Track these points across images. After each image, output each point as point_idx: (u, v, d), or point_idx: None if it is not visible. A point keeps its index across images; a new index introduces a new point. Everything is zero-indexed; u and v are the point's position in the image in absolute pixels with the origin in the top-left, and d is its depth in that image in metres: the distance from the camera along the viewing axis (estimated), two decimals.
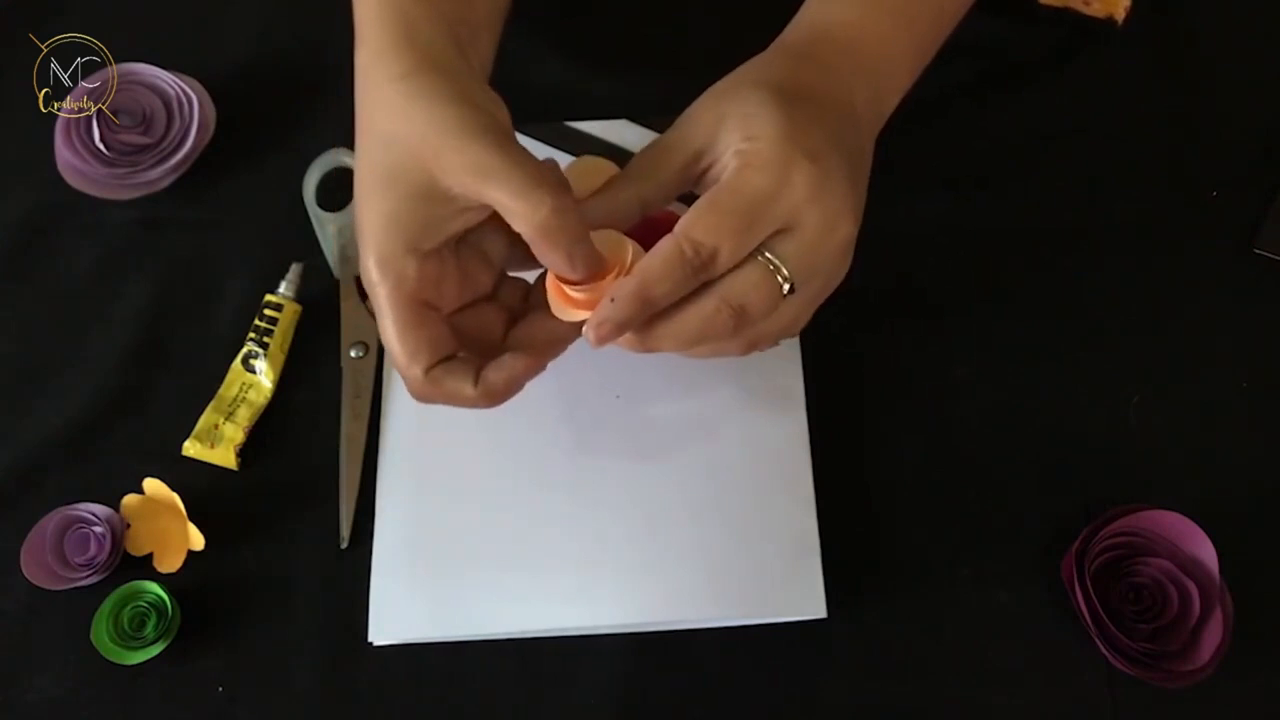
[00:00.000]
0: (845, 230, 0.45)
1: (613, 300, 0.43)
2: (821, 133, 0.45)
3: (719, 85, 0.48)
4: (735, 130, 0.45)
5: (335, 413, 0.58)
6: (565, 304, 0.47)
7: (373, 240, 0.45)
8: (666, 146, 0.47)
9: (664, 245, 0.44)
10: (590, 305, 0.46)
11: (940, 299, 0.60)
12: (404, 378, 0.46)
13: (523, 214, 0.43)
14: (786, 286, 0.45)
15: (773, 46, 0.50)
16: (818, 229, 0.44)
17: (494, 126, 0.44)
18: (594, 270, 0.45)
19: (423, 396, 0.46)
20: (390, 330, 0.45)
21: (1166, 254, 0.61)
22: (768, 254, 0.44)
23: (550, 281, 0.47)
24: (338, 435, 0.57)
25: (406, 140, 0.43)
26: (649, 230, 0.59)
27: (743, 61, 0.67)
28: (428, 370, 0.45)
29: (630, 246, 0.47)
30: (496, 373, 0.46)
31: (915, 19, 0.52)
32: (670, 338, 0.45)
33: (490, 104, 0.45)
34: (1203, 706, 0.51)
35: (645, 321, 0.45)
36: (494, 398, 0.46)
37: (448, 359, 0.46)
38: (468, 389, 0.45)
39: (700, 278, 0.44)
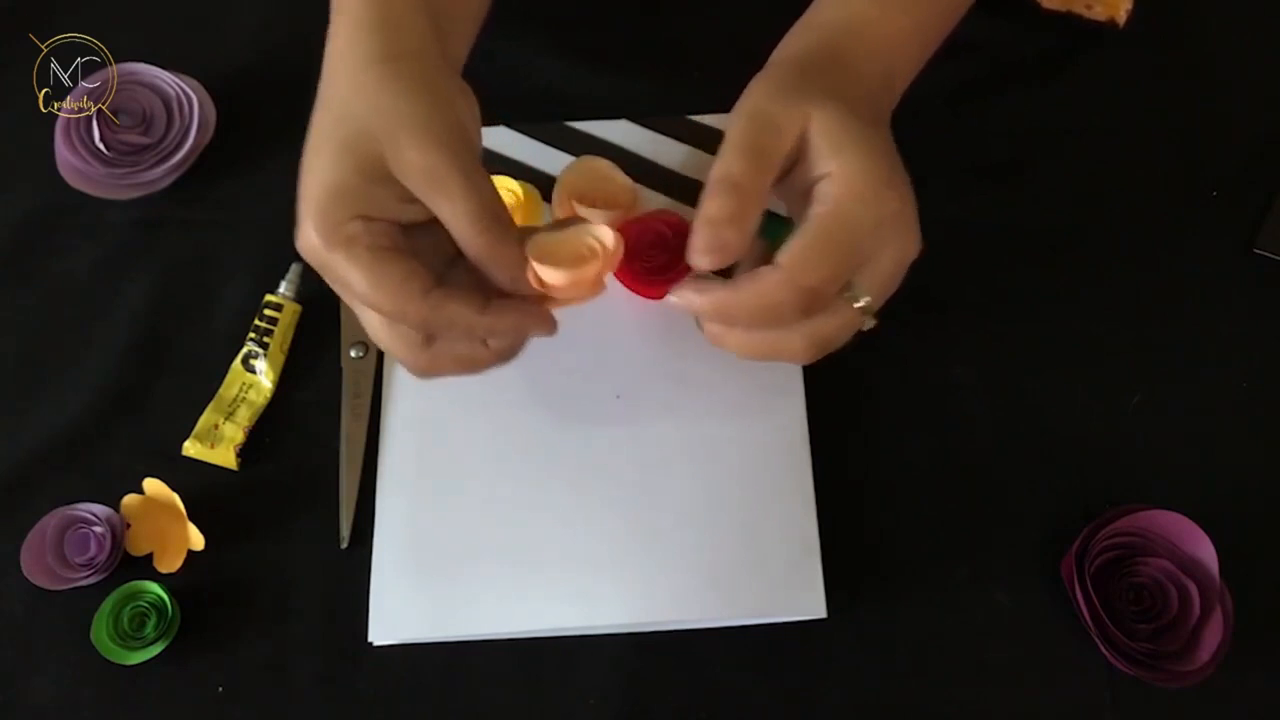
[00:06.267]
0: (913, 255, 0.46)
1: (699, 293, 0.44)
2: (895, 160, 0.45)
3: (785, 80, 0.47)
4: (824, 139, 0.44)
5: (335, 413, 0.58)
6: (539, 287, 0.46)
7: (316, 207, 0.43)
8: (763, 154, 0.44)
9: (768, 284, 0.42)
10: (568, 292, 0.46)
11: (940, 298, 0.60)
12: (401, 314, 0.43)
13: (463, 238, 0.42)
14: (871, 322, 0.45)
15: (811, 48, 0.49)
16: (896, 259, 0.45)
17: (457, 132, 0.43)
18: (530, 293, 0.45)
19: (424, 324, 0.43)
20: (364, 278, 0.42)
21: (1166, 254, 0.61)
22: (853, 289, 0.44)
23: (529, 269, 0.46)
24: (338, 435, 0.57)
25: (368, 121, 0.42)
26: (643, 229, 0.59)
27: (742, 62, 0.67)
28: (428, 293, 0.42)
29: (611, 236, 0.46)
30: (511, 304, 0.44)
31: (927, 17, 0.52)
32: (742, 348, 0.46)
33: (460, 99, 0.45)
34: (1203, 706, 0.51)
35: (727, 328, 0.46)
36: (504, 328, 0.44)
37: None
38: (474, 314, 0.43)
39: (797, 319, 0.44)
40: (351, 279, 0.42)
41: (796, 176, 0.45)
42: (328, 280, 0.44)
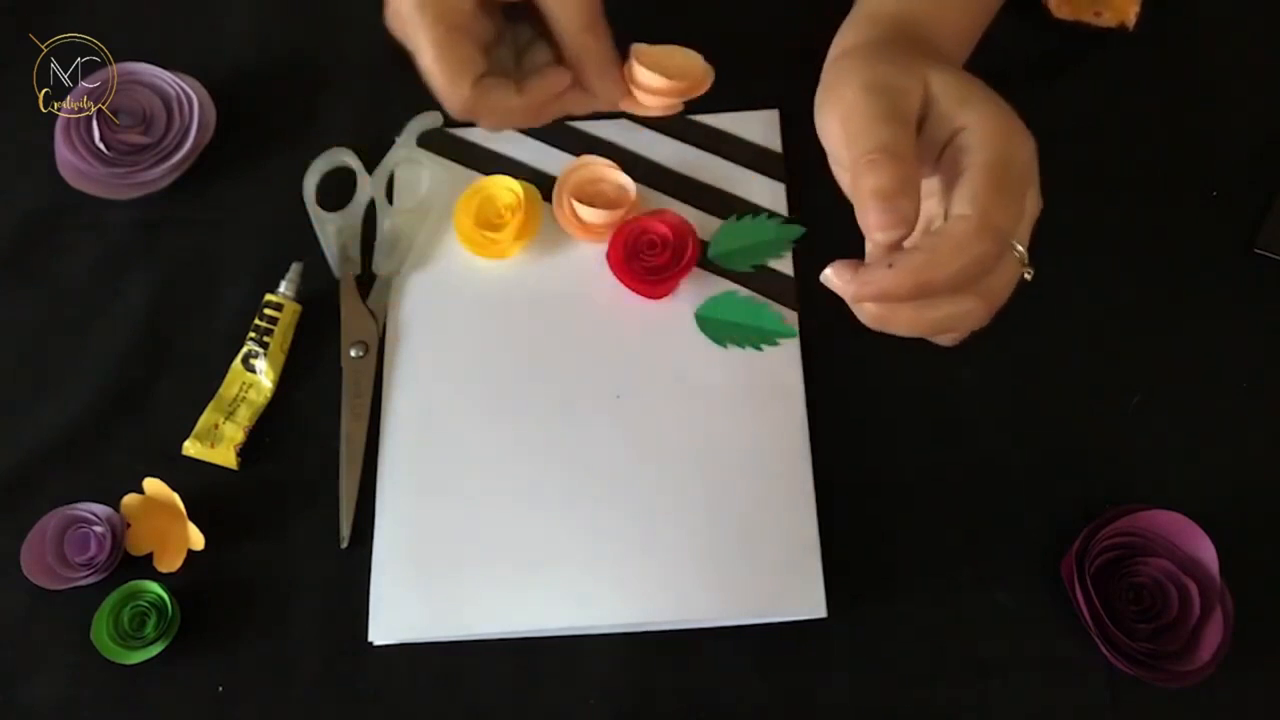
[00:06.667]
0: (1041, 205, 0.45)
1: (890, 266, 0.41)
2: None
3: (881, 54, 0.46)
4: (947, 95, 0.44)
5: (335, 413, 0.58)
6: (633, 96, 0.52)
7: None
8: (904, 118, 0.43)
9: (964, 233, 0.41)
10: (652, 101, 0.51)
11: None
12: (447, 96, 0.48)
13: (568, 31, 0.48)
14: (1030, 271, 0.44)
15: (879, 36, 0.49)
16: (1035, 206, 0.44)
17: None
18: (615, 94, 0.51)
19: (468, 110, 0.49)
20: (431, 51, 0.47)
21: (1166, 254, 0.61)
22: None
23: (629, 69, 0.51)
24: (338, 435, 0.57)
25: None
26: (643, 229, 0.59)
27: (742, 62, 0.67)
28: (477, 81, 0.48)
29: (700, 60, 0.52)
30: (540, 82, 0.49)
31: (974, 14, 0.53)
32: (914, 324, 0.44)
33: None
34: (1203, 706, 0.51)
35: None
36: (535, 110, 0.50)
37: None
38: (513, 98, 0.49)
39: (992, 267, 0.42)
40: (422, 47, 0.47)
41: (923, 137, 0.45)
42: (396, 33, 0.49)
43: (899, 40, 0.49)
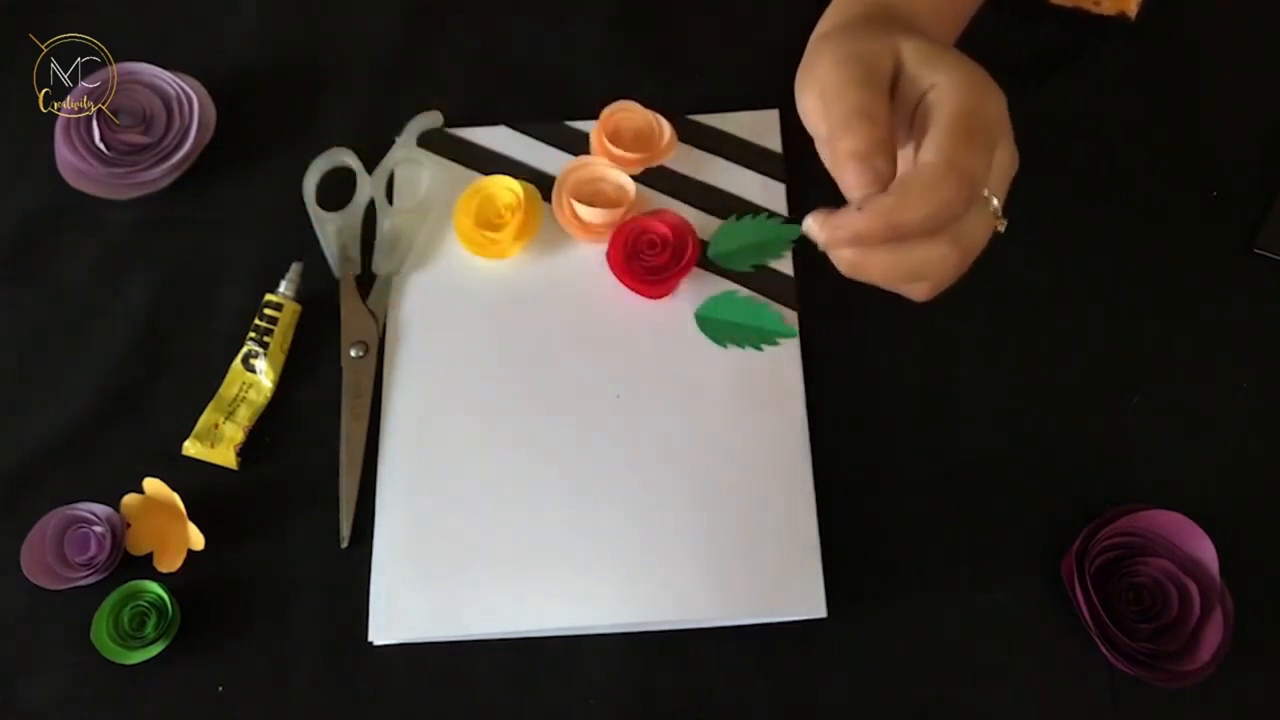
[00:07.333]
0: (1017, 163, 0.45)
1: (860, 210, 0.42)
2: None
3: (857, 30, 0.48)
4: (917, 60, 0.44)
5: (335, 413, 0.58)
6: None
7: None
8: (877, 81, 0.44)
9: (934, 175, 0.41)
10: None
11: (940, 297, 0.60)
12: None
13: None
14: (1002, 223, 0.45)
15: (862, 14, 0.50)
16: (1009, 161, 0.45)
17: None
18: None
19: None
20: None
21: (1166, 254, 0.61)
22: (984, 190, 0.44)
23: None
24: (338, 435, 0.57)
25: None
26: (643, 229, 0.59)
27: (741, 63, 0.67)
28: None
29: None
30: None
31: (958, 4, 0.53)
32: (889, 271, 0.44)
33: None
34: (1203, 706, 0.51)
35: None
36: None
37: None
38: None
39: (961, 212, 0.42)
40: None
41: (896, 102, 0.45)
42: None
43: (875, 19, 0.49)
